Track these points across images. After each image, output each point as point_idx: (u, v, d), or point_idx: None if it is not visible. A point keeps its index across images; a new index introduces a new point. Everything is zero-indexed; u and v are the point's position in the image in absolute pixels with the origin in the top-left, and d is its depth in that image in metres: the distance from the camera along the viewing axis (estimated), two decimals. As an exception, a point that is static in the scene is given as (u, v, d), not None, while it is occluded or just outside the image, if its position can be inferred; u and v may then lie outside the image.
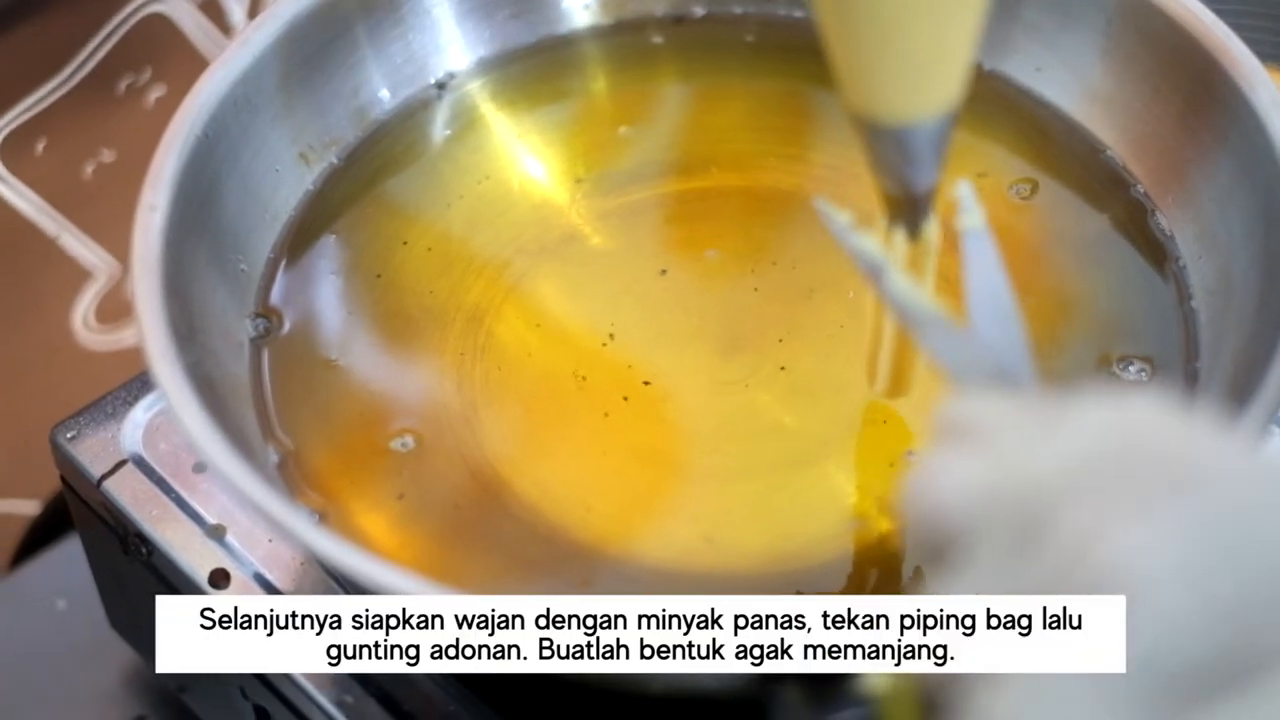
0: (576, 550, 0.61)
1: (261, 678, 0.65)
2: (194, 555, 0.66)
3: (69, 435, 0.69)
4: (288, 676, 0.64)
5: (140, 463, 0.68)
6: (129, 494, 0.67)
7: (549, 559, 0.60)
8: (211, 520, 0.66)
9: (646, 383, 0.64)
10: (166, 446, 0.68)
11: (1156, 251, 0.67)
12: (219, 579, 0.65)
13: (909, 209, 0.57)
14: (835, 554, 0.60)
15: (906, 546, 0.43)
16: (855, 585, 0.59)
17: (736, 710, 0.54)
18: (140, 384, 0.69)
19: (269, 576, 0.65)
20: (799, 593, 0.59)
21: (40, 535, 0.82)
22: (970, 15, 0.54)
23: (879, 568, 0.60)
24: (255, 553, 0.66)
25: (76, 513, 0.71)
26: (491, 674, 0.60)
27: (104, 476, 0.68)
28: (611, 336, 0.66)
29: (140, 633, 0.74)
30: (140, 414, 0.69)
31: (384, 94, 0.72)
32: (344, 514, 0.61)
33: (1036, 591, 0.39)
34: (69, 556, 0.79)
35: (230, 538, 0.66)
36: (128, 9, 0.89)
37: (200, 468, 0.67)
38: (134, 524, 0.67)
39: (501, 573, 0.60)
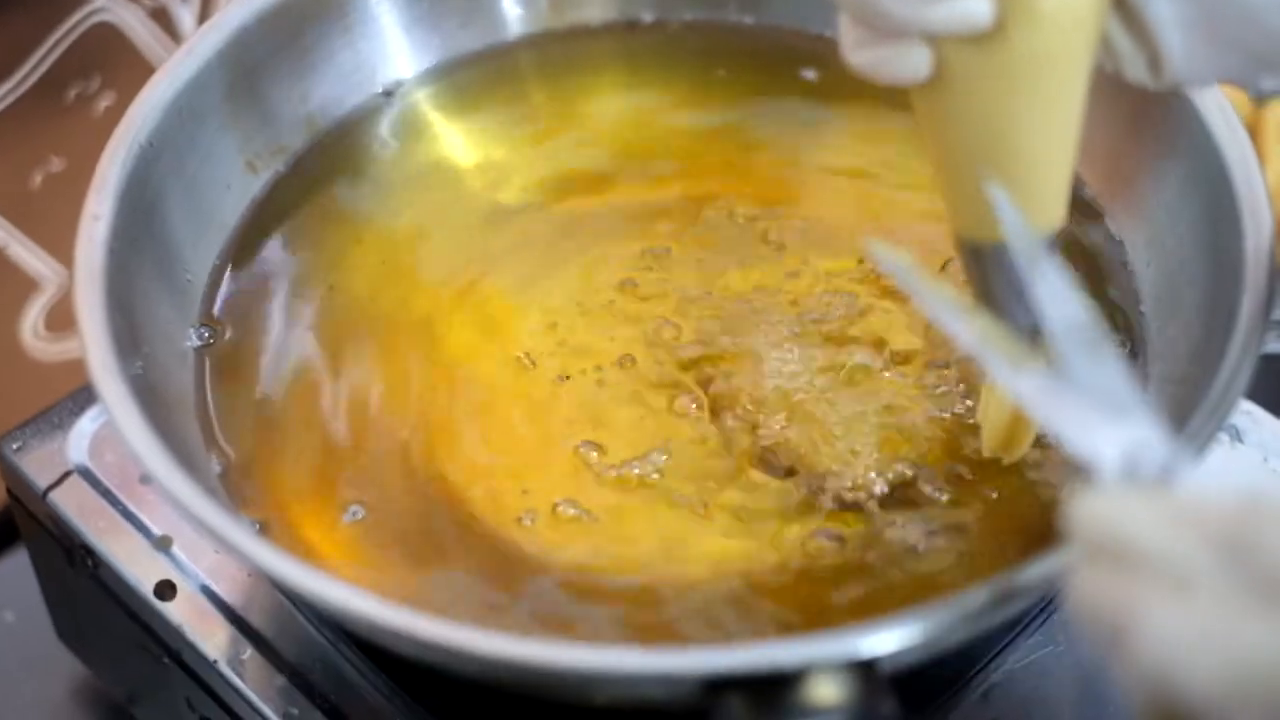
0: (524, 558, 0.60)
1: (208, 689, 0.65)
2: (140, 567, 0.66)
3: (15, 446, 0.68)
4: (234, 688, 0.63)
5: (86, 474, 0.68)
6: (75, 505, 0.67)
7: (494, 567, 0.60)
8: (158, 532, 0.66)
9: (604, 388, 0.64)
10: (113, 457, 0.68)
11: (1106, 257, 0.67)
12: (165, 591, 0.65)
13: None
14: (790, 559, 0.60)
15: (1117, 677, 0.43)
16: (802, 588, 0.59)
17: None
18: (87, 394, 0.69)
19: (216, 588, 0.65)
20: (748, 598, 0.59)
21: (-12, 547, 0.81)
22: (1070, 130, 0.54)
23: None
24: (202, 564, 0.65)
25: (23, 524, 0.71)
26: (439, 688, 0.60)
27: (50, 488, 0.67)
28: (563, 343, 0.66)
29: (88, 645, 0.74)
30: (86, 424, 0.69)
31: (331, 102, 0.72)
32: (287, 523, 0.61)
33: None
34: (17, 569, 0.78)
35: (177, 549, 0.66)
36: (76, 16, 0.88)
37: (146, 479, 0.66)
38: (80, 536, 0.66)
39: (445, 581, 0.60)
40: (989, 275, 0.56)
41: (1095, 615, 0.44)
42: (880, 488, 0.61)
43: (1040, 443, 0.61)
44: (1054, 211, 0.55)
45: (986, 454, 0.61)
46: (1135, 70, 0.56)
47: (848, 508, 0.61)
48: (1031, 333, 0.53)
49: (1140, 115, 0.67)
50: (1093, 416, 0.48)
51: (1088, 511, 0.45)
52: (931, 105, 0.55)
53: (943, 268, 0.66)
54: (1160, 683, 0.42)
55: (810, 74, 0.74)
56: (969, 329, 0.51)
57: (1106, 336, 0.50)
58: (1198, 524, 0.43)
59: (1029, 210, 0.54)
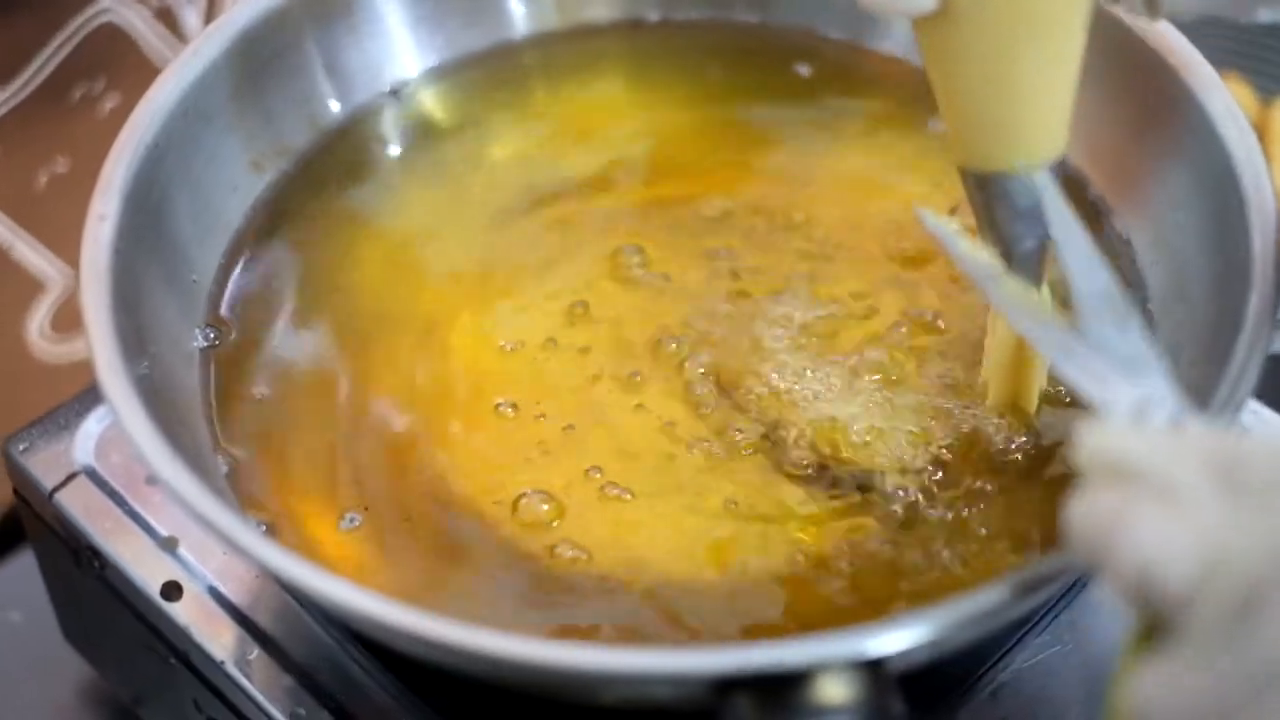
0: (531, 559, 0.60)
1: (215, 689, 0.65)
2: (147, 568, 0.66)
3: (21, 447, 0.68)
4: (241, 689, 0.63)
5: (93, 475, 0.68)
6: (81, 506, 0.67)
7: (502, 567, 0.60)
8: (164, 533, 0.66)
9: (608, 390, 0.64)
10: (119, 458, 0.68)
11: (1112, 256, 0.67)
12: (172, 591, 0.65)
13: (1022, 268, 0.58)
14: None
15: (1105, 586, 0.45)
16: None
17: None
18: (93, 395, 0.69)
19: (222, 589, 0.65)
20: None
21: (-6, 547, 0.81)
22: (1072, 63, 0.56)
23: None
24: (208, 565, 0.65)
25: (29, 525, 0.70)
26: (446, 688, 0.60)
27: (56, 489, 0.67)
28: (570, 344, 0.66)
29: (95, 646, 0.74)
30: (93, 425, 0.69)
31: (337, 102, 0.72)
32: (293, 524, 0.61)
33: (1247, 675, 0.42)
34: (23, 569, 0.78)
35: (183, 550, 0.66)
36: (82, 17, 0.88)
37: (153, 480, 0.66)
38: (86, 537, 0.66)
39: (453, 582, 0.60)
40: (992, 204, 0.59)
41: (1088, 529, 0.46)
42: (894, 483, 0.61)
43: (1059, 443, 0.61)
44: (1056, 141, 0.58)
45: (990, 411, 0.62)
46: (1131, 3, 0.60)
47: (865, 502, 0.61)
48: (1034, 257, 0.58)
49: (1147, 115, 0.67)
50: (1111, 373, 0.52)
51: (1093, 440, 0.47)
52: (938, 38, 0.57)
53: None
54: (1143, 577, 0.44)
55: (816, 73, 0.74)
56: (1000, 289, 0.55)
57: (1130, 304, 0.53)
58: (1196, 451, 0.45)
59: (1032, 140, 0.57)
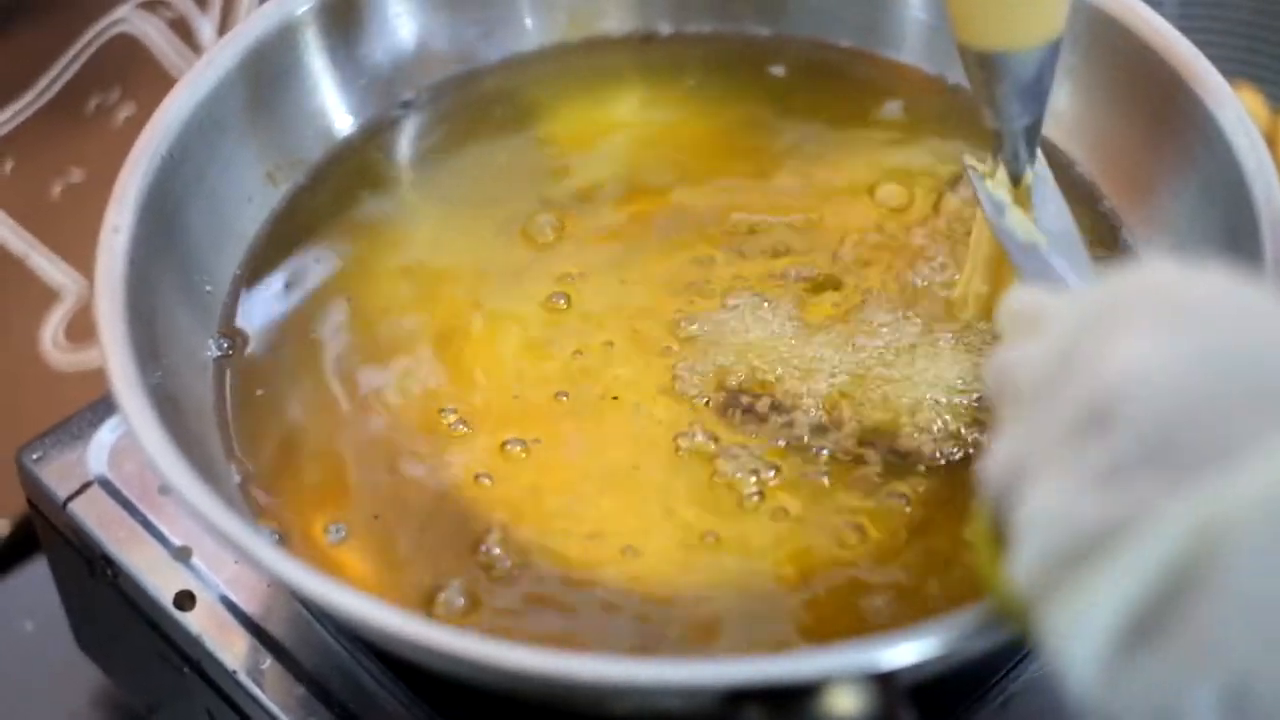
0: (545, 569, 0.60)
1: (227, 699, 0.65)
2: (160, 577, 0.66)
3: (35, 456, 0.69)
4: (254, 698, 0.63)
5: (106, 484, 0.68)
6: (95, 516, 0.67)
7: (516, 578, 0.60)
8: (177, 542, 0.66)
9: (615, 397, 0.64)
10: (132, 467, 0.68)
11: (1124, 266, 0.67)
12: (185, 601, 0.65)
13: (1012, 145, 0.62)
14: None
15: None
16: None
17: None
18: (106, 405, 0.69)
19: (235, 599, 0.65)
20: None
21: (8, 555, 0.81)
22: None
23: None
24: (221, 575, 0.65)
25: (43, 534, 0.71)
26: (457, 698, 0.60)
27: (70, 498, 0.68)
28: (579, 353, 0.66)
29: (108, 654, 0.74)
30: (106, 435, 0.69)
31: (350, 114, 0.72)
32: (306, 534, 0.61)
33: (1064, 413, 0.46)
34: (37, 577, 0.78)
35: (196, 559, 0.66)
36: (96, 28, 0.89)
37: (166, 489, 0.66)
38: (100, 546, 0.67)
39: (465, 589, 0.60)
40: (991, 82, 0.61)
41: (988, 379, 0.52)
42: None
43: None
44: (1055, 20, 0.60)
45: (967, 318, 0.66)
46: None
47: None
48: (1028, 135, 0.62)
49: (1157, 125, 0.67)
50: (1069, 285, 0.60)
51: (1011, 298, 0.53)
52: None
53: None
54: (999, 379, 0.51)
55: (828, 84, 0.74)
56: (1008, 218, 0.63)
57: (1082, 242, 0.63)
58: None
59: (1032, 18, 0.60)
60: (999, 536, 0.49)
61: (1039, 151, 0.63)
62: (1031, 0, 0.60)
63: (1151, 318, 0.46)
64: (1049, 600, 0.46)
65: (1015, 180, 0.63)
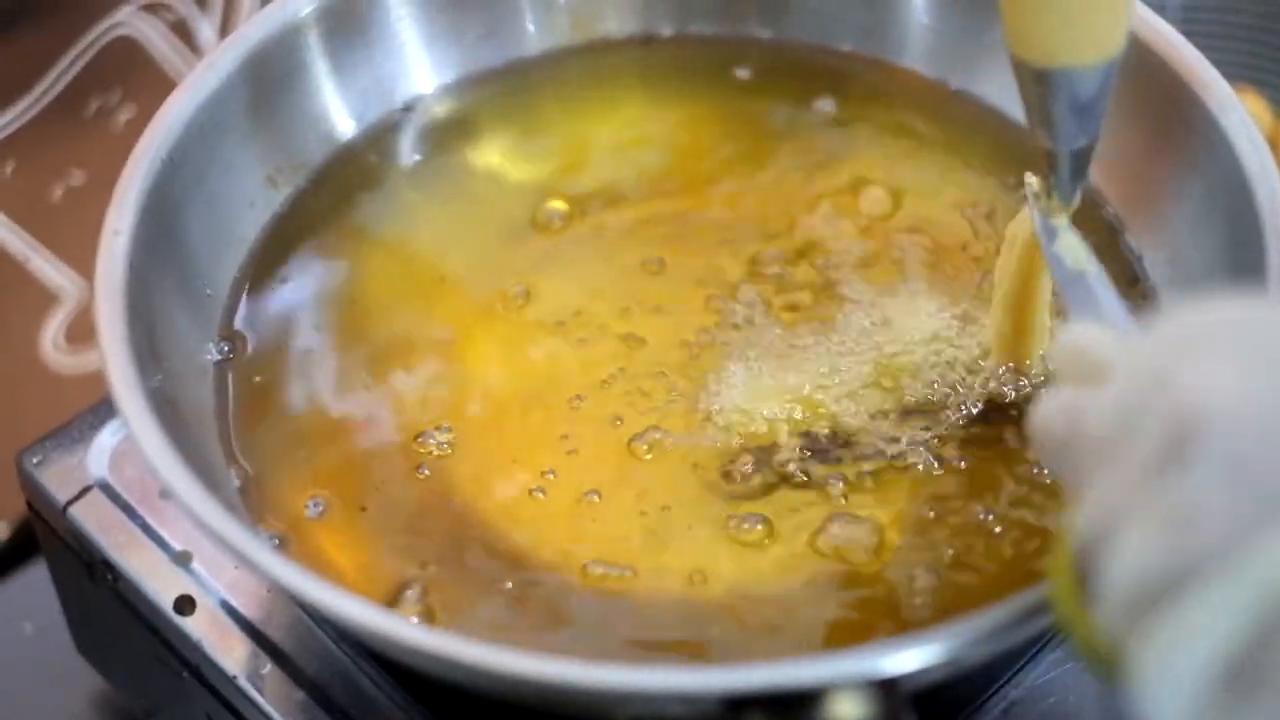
0: (541, 572, 0.60)
1: (227, 704, 0.65)
2: (160, 582, 0.66)
3: (35, 460, 0.69)
4: (253, 703, 0.63)
5: (106, 488, 0.68)
6: (95, 520, 0.67)
7: (512, 581, 0.60)
8: (177, 547, 0.66)
9: (619, 420, 0.64)
10: (132, 472, 0.68)
11: (1127, 273, 0.67)
12: (185, 605, 0.65)
13: (1065, 167, 0.60)
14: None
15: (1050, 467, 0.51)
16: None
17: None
18: (107, 408, 0.69)
19: (235, 603, 0.65)
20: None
21: (7, 559, 0.81)
22: None
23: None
24: (221, 579, 0.65)
25: (43, 538, 0.71)
26: (457, 703, 0.60)
27: (70, 502, 0.67)
28: (587, 361, 0.66)
29: (108, 658, 0.74)
30: (106, 439, 0.69)
31: (351, 117, 0.72)
32: (306, 538, 0.61)
33: (1145, 456, 0.44)
34: (36, 580, 0.78)
35: (196, 564, 0.66)
36: (97, 30, 0.88)
37: (166, 494, 0.66)
38: (100, 550, 0.67)
39: (463, 596, 0.60)
40: (1048, 99, 0.59)
41: (1048, 425, 0.50)
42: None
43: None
44: (1116, 37, 0.58)
45: (994, 364, 0.64)
46: None
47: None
48: (1083, 156, 0.60)
49: (1161, 131, 0.67)
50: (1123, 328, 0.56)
51: (1064, 337, 0.51)
52: None
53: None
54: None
55: (830, 88, 0.74)
56: (1060, 242, 0.60)
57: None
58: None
59: (1093, 35, 0.58)
60: (1080, 579, 0.47)
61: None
62: (1094, 15, 0.58)
63: (1230, 353, 0.44)
64: (1135, 646, 0.43)
65: (1066, 199, 0.61)
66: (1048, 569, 0.51)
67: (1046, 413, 0.50)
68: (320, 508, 0.62)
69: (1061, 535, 0.49)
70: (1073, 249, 0.60)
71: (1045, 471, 0.62)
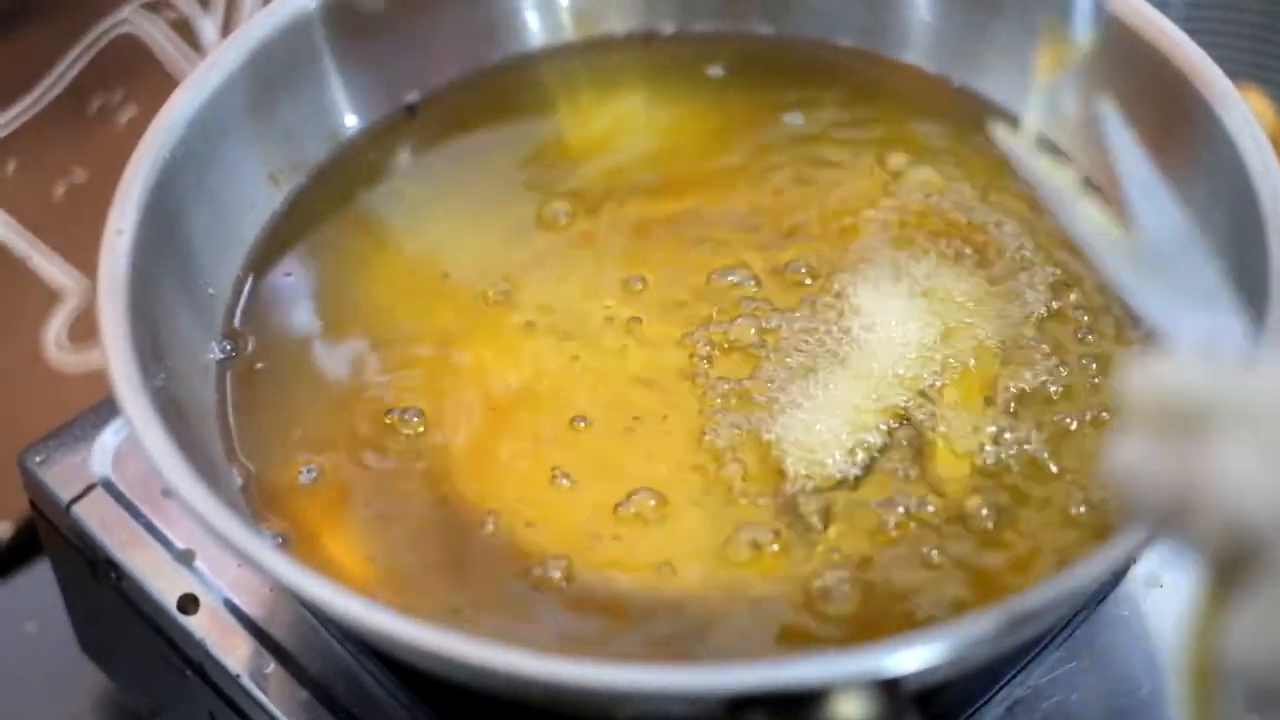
0: (545, 576, 0.60)
1: (230, 702, 0.65)
2: (163, 580, 0.66)
3: (38, 459, 0.69)
4: (257, 702, 0.63)
5: (109, 487, 0.68)
6: (98, 519, 0.67)
7: (514, 579, 0.60)
8: (180, 545, 0.66)
9: (637, 418, 0.64)
10: (135, 470, 0.68)
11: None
12: (188, 604, 0.65)
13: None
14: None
15: (1200, 547, 0.42)
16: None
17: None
18: (109, 407, 0.69)
19: (238, 602, 0.65)
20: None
21: (11, 558, 0.81)
22: None
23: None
24: (224, 578, 0.65)
25: (46, 537, 0.71)
26: (462, 702, 0.60)
27: (73, 501, 0.68)
28: (586, 359, 0.66)
29: (111, 657, 0.74)
30: (109, 437, 0.69)
31: (353, 115, 0.72)
32: (308, 536, 0.61)
33: None
34: (39, 579, 0.78)
35: (199, 563, 0.66)
36: (99, 29, 0.88)
37: (169, 492, 0.66)
38: (103, 549, 0.67)
39: (466, 594, 0.60)
40: None
41: (1156, 487, 0.43)
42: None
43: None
44: None
45: None
46: None
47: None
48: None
49: (1164, 129, 0.67)
50: (1179, 302, 0.49)
51: (1153, 377, 0.44)
52: None
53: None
54: (1234, 521, 0.41)
55: (831, 84, 0.74)
56: (1073, 211, 0.52)
57: (1198, 238, 0.51)
58: (1275, 387, 0.42)
59: None
60: (1210, 674, 0.44)
61: (1130, 136, 0.54)
62: None
63: None
64: None
65: (1080, 37, 0.57)
66: (1177, 662, 0.45)
67: (1148, 472, 0.43)
68: (323, 506, 0.62)
69: (1198, 630, 0.44)
70: (1095, 218, 0.52)
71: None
